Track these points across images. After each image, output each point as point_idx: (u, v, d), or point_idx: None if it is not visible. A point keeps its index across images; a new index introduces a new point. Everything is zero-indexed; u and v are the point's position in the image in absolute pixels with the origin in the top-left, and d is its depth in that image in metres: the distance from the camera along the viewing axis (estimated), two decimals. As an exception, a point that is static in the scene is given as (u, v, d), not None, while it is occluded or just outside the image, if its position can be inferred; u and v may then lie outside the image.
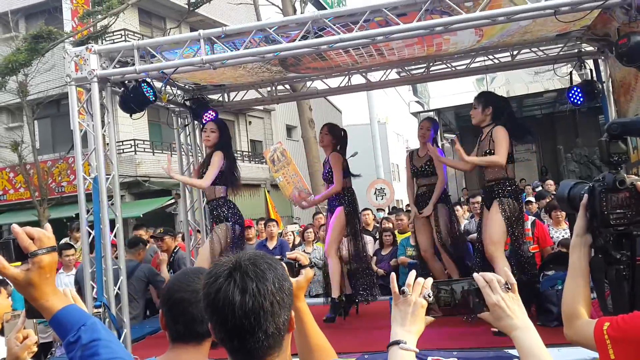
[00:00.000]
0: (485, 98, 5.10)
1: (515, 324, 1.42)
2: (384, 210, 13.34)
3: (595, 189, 1.78)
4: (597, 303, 2.10)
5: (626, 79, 5.80)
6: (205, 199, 5.94)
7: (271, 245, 7.59)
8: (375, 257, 7.59)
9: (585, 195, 1.81)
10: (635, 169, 5.74)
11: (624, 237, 1.79)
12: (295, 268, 1.63)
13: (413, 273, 1.50)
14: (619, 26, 4.85)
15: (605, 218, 1.75)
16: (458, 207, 9.39)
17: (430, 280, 1.49)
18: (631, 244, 1.80)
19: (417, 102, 17.38)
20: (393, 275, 1.52)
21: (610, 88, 6.29)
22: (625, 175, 1.77)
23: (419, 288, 1.46)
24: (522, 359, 1.39)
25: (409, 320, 1.43)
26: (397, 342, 1.40)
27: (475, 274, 1.49)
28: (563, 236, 6.96)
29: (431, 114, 16.17)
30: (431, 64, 6.82)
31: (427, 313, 1.47)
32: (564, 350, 3.71)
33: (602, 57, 6.34)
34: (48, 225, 1.38)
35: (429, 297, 1.45)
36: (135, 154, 17.35)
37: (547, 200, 8.89)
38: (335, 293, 5.75)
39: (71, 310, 1.34)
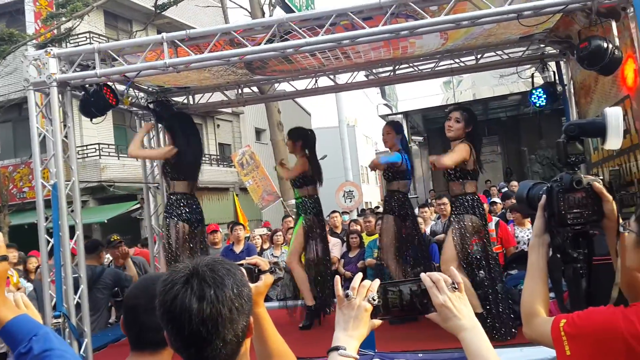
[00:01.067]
0: (470, 115, 4.98)
1: (462, 324, 1.39)
2: (348, 213, 13.38)
3: (553, 189, 1.80)
4: (556, 303, 2.13)
5: (586, 81, 5.93)
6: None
7: (238, 249, 7.51)
8: (342, 260, 7.59)
9: (544, 196, 1.83)
10: (596, 170, 5.87)
11: (580, 236, 1.82)
12: (254, 273, 1.60)
13: (359, 276, 1.46)
14: (580, 29, 4.97)
15: (563, 217, 1.77)
16: (426, 208, 9.51)
17: (376, 282, 1.45)
18: (588, 243, 1.83)
19: (386, 104, 17.53)
20: (337, 278, 1.47)
21: (572, 90, 6.44)
22: (583, 175, 1.79)
23: (364, 291, 1.42)
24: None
25: (352, 325, 1.39)
26: (336, 348, 1.36)
27: (422, 274, 1.45)
28: (528, 236, 7.08)
29: (399, 116, 16.32)
30: (397, 66, 6.86)
31: (375, 316, 1.43)
32: (527, 349, 3.77)
33: (564, 60, 6.48)
34: (0, 235, 1.33)
35: (374, 300, 1.41)
36: (100, 158, 17.03)
37: (513, 200, 9.04)
38: (308, 301, 5.74)
39: (22, 320, 1.30)
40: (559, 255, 1.82)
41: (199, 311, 1.24)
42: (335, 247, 7.65)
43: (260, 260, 1.63)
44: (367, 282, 1.43)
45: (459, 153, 4.75)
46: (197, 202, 5.74)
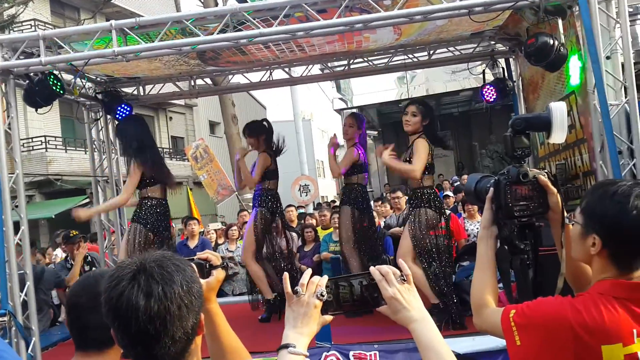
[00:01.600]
0: (427, 109, 5.03)
1: (412, 316, 1.39)
2: (304, 207, 13.37)
3: (500, 182, 1.84)
4: (504, 293, 2.18)
5: (534, 78, 6.11)
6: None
7: (192, 244, 7.40)
8: (298, 254, 7.58)
9: (491, 189, 1.87)
10: (543, 164, 6.06)
11: (527, 228, 1.86)
12: (205, 269, 1.56)
13: (308, 272, 1.45)
14: (528, 26, 5.10)
15: (510, 210, 1.81)
16: (380, 202, 9.59)
17: (325, 278, 1.44)
18: (534, 234, 1.88)
19: (341, 99, 17.57)
20: (285, 275, 1.46)
21: (521, 86, 6.62)
22: (529, 168, 1.83)
23: (313, 287, 1.41)
24: (421, 352, 1.37)
25: (301, 322, 1.38)
26: (286, 346, 1.34)
27: (371, 268, 1.45)
28: (477, 229, 7.26)
29: (354, 110, 16.40)
30: (352, 60, 6.89)
31: (326, 311, 1.42)
32: (479, 338, 3.87)
33: (513, 57, 6.65)
34: None
35: (322, 295, 1.39)
36: (47, 151, 16.43)
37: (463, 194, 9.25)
38: (267, 295, 5.71)
39: None
40: (506, 247, 1.86)
41: (146, 308, 1.21)
42: (292, 241, 7.63)
43: (211, 255, 1.59)
44: (316, 277, 1.42)
45: (420, 156, 4.78)
46: (168, 208, 5.49)
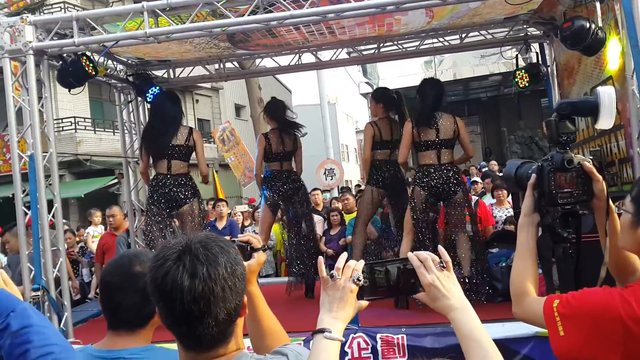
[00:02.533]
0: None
1: (452, 304, 1.35)
2: (329, 191, 13.37)
3: (544, 168, 1.79)
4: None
5: (570, 63, 5.97)
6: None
7: (220, 225, 7.47)
8: (324, 238, 7.60)
9: (533, 175, 1.83)
10: (576, 150, 5.94)
11: (570, 215, 1.82)
12: (247, 251, 1.56)
13: (344, 256, 1.42)
14: (564, 10, 4.98)
15: (553, 197, 1.76)
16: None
17: (361, 262, 1.41)
18: (577, 222, 1.84)
19: (367, 83, 17.45)
20: (320, 259, 1.44)
21: (555, 71, 6.47)
22: (573, 155, 1.79)
23: (349, 271, 1.38)
24: (461, 341, 1.33)
25: (337, 306, 1.35)
26: (321, 331, 1.33)
27: (409, 253, 1.42)
28: (506, 215, 7.17)
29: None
30: (381, 44, 6.80)
31: (361, 297, 1.39)
32: (508, 325, 3.83)
33: (548, 41, 6.49)
34: None
35: (359, 280, 1.37)
36: (76, 132, 16.69)
37: (491, 180, 9.13)
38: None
39: None
40: (548, 235, 1.82)
41: (190, 289, 1.22)
42: (317, 224, 7.65)
43: (252, 238, 1.59)
44: (352, 262, 1.40)
45: (403, 142, 5.22)
46: (177, 181, 5.41)
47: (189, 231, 5.20)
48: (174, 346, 1.70)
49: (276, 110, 6.03)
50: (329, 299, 1.37)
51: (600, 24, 4.64)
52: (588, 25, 4.53)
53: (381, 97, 5.99)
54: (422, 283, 1.37)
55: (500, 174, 11.07)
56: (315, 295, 5.80)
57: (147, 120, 5.58)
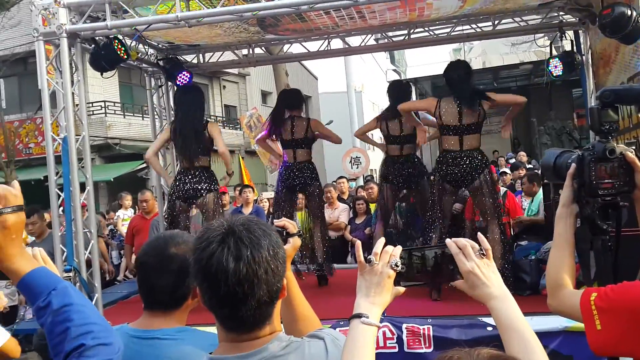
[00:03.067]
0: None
1: (491, 292, 1.32)
2: (355, 179, 13.33)
3: (585, 158, 1.74)
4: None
5: (606, 51, 5.81)
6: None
7: (247, 211, 7.51)
8: (349, 226, 7.59)
9: (573, 165, 1.78)
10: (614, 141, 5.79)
11: (610, 207, 1.76)
12: (283, 236, 1.56)
13: (381, 241, 1.40)
14: (603, -3, 4.83)
15: (594, 188, 1.71)
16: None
17: (399, 248, 1.39)
18: (617, 214, 1.79)
19: (394, 70, 17.28)
20: (358, 243, 1.43)
21: (590, 60, 6.30)
22: (615, 144, 1.73)
23: (387, 257, 1.35)
24: (501, 331, 1.30)
25: (374, 291, 1.33)
26: (358, 316, 1.31)
27: (447, 240, 1.39)
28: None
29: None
30: (412, 30, 6.71)
31: (397, 282, 1.37)
32: (537, 319, 3.77)
33: (583, 29, 6.32)
34: (16, 183, 1.28)
35: (397, 266, 1.35)
36: (106, 116, 16.93)
37: (521, 171, 8.99)
38: None
39: (40, 273, 1.26)
40: (587, 227, 1.77)
41: (235, 271, 1.23)
42: (343, 213, 7.65)
43: (288, 223, 1.59)
44: (389, 247, 1.38)
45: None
46: (198, 174, 5.39)
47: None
48: (207, 329, 1.72)
49: (284, 98, 6.03)
50: (366, 284, 1.35)
51: (640, 11, 4.50)
52: (629, 12, 4.40)
53: (391, 92, 5.95)
54: (460, 270, 1.35)
55: (529, 165, 10.90)
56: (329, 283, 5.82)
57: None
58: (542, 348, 1.27)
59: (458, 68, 5.12)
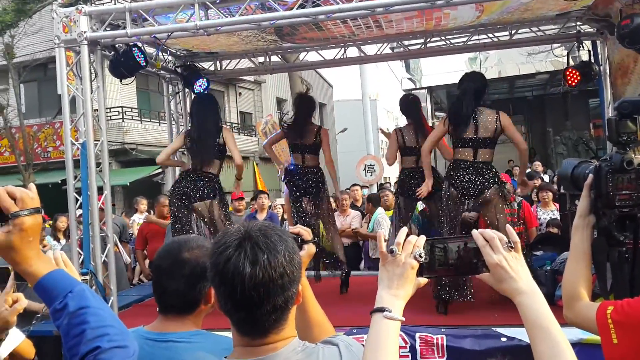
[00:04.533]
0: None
1: (519, 287, 1.26)
2: (368, 187, 13.29)
3: (602, 169, 1.73)
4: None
5: (624, 62, 5.76)
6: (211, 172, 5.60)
7: (261, 217, 7.54)
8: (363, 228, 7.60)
9: (590, 175, 1.77)
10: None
11: (627, 219, 1.75)
12: (297, 243, 1.57)
13: (404, 230, 1.36)
14: (621, 7, 4.80)
15: (611, 199, 1.71)
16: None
17: (422, 238, 1.34)
18: (635, 226, 1.77)
19: (409, 79, 17.27)
20: (380, 233, 1.39)
21: (608, 70, 6.26)
22: (633, 156, 1.73)
23: (410, 247, 1.30)
24: (528, 329, 1.25)
25: (397, 283, 1.28)
26: (381, 310, 1.25)
27: (474, 231, 1.33)
28: (551, 217, 7.00)
29: (423, 91, 16.08)
30: (428, 39, 6.72)
31: (420, 274, 1.32)
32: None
33: (601, 39, 6.29)
34: (32, 186, 1.29)
35: (420, 257, 1.30)
36: (123, 121, 17.11)
37: (536, 181, 8.92)
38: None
39: (57, 276, 1.26)
40: (604, 238, 1.76)
41: (251, 276, 1.24)
42: (355, 219, 7.65)
43: (303, 230, 1.60)
44: (412, 237, 1.33)
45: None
46: (200, 178, 5.44)
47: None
48: (223, 333, 1.73)
49: (303, 103, 6.02)
50: (388, 275, 1.30)
51: (659, 22, 4.46)
52: (648, 23, 4.36)
53: (400, 106, 6.03)
54: (487, 263, 1.29)
55: (545, 175, 10.81)
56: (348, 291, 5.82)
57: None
58: (571, 348, 1.22)
59: (475, 80, 5.10)
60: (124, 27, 4.92)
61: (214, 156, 5.47)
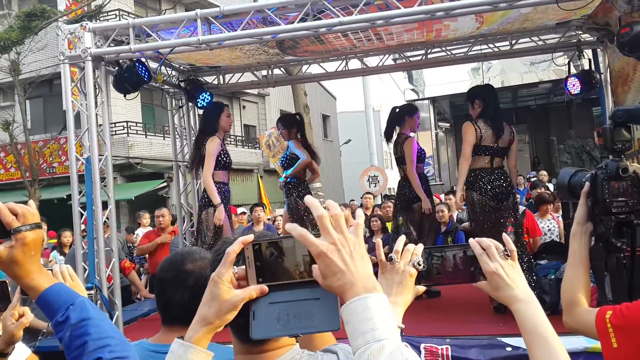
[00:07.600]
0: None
1: (516, 295, 1.27)
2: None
3: (598, 177, 1.76)
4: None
5: (624, 70, 5.79)
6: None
7: (258, 229, 7.56)
8: (366, 245, 7.57)
9: (587, 183, 1.79)
10: (630, 161, 5.74)
11: (624, 225, 1.77)
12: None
13: (402, 238, 1.37)
14: (620, 15, 4.83)
15: (607, 206, 1.73)
16: (451, 195, 9.42)
17: (420, 246, 1.35)
18: (631, 232, 1.79)
19: (412, 89, 17.32)
20: (379, 241, 1.39)
21: (608, 78, 6.29)
22: (629, 163, 1.75)
23: (408, 255, 1.33)
24: (525, 336, 1.26)
25: (396, 291, 1.29)
26: None
27: (471, 240, 1.34)
28: (548, 227, 7.02)
29: (426, 102, 16.13)
30: (429, 50, 6.77)
31: (418, 282, 1.34)
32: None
33: (601, 47, 6.32)
34: (32, 202, 1.33)
35: (419, 264, 1.31)
36: (128, 136, 17.21)
37: (540, 190, 8.91)
38: None
39: (58, 289, 1.28)
40: (601, 245, 1.78)
41: None
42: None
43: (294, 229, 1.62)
44: (411, 245, 1.35)
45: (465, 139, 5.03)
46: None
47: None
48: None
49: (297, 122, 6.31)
50: (387, 282, 1.32)
51: (658, 30, 4.48)
52: (647, 31, 4.39)
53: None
54: (484, 271, 1.31)
55: (550, 184, 10.80)
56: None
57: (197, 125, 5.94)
58: (567, 355, 1.23)
59: (491, 90, 5.28)
60: (128, 43, 4.99)
61: (197, 166, 5.76)
